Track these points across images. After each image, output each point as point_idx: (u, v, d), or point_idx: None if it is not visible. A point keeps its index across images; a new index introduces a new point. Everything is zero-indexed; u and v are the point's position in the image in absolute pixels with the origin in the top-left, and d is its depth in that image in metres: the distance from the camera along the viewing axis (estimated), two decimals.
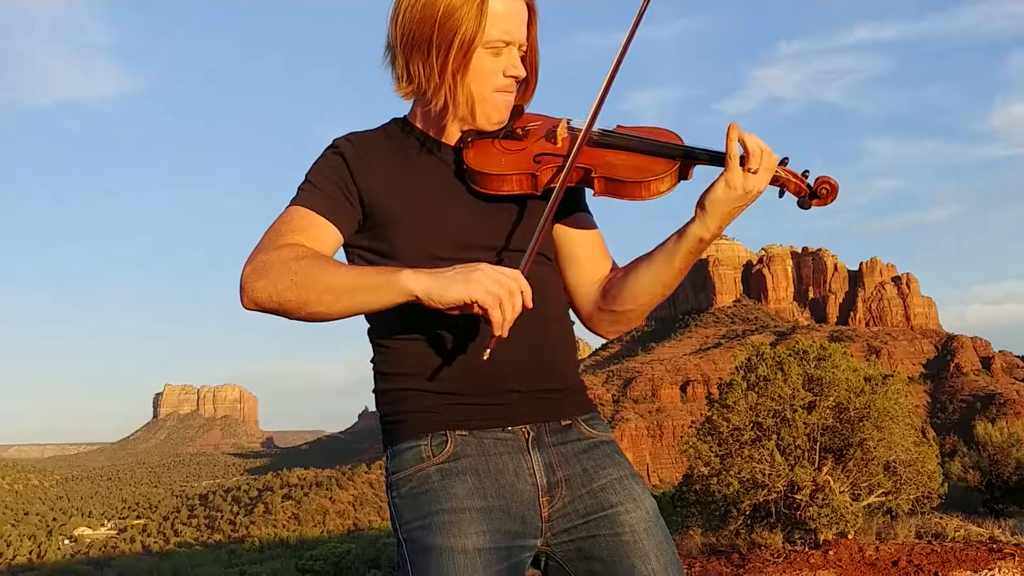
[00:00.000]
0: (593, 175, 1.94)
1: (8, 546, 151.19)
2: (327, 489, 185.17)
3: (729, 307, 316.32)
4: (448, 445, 1.88)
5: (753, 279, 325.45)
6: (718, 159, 1.88)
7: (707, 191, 1.89)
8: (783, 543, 9.95)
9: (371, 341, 2.03)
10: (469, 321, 1.85)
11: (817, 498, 9.89)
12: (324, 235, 1.92)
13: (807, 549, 9.67)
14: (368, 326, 2.03)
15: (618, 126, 2.04)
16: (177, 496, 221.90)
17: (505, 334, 1.68)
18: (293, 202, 1.96)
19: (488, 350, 1.70)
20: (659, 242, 2.01)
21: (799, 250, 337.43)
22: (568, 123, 2.03)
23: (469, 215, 1.98)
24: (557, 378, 2.01)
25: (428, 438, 1.89)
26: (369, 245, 1.98)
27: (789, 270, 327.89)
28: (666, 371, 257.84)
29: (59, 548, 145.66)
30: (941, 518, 10.83)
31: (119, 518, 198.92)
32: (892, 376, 10.95)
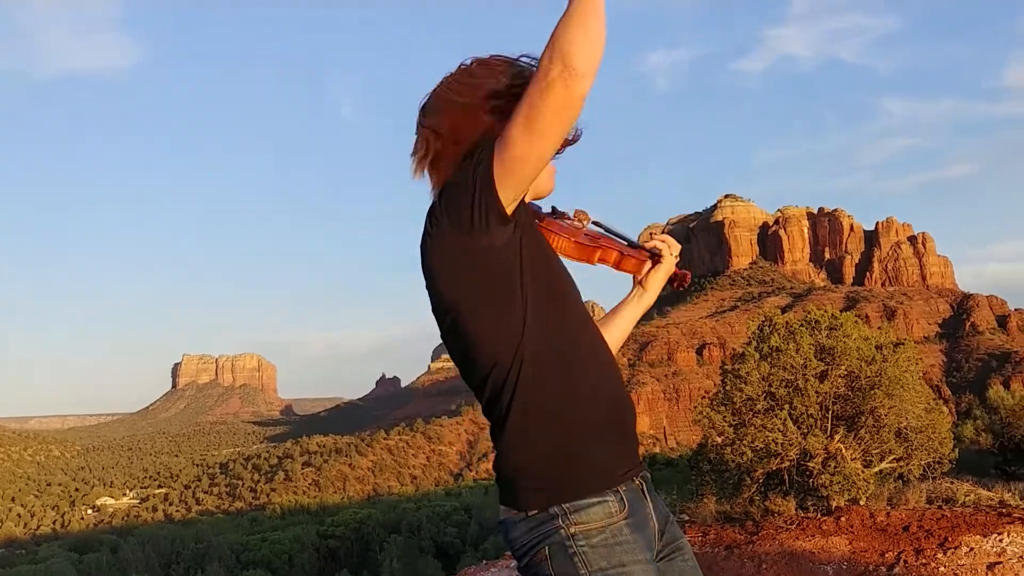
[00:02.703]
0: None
1: (32, 516, 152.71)
2: (346, 456, 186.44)
3: (745, 269, 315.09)
4: (626, 502, 2.14)
5: (769, 240, 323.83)
6: (656, 255, 2.59)
7: (651, 275, 2.58)
8: (796, 510, 10.12)
9: (521, 374, 2.09)
10: (597, 350, 2.22)
11: (829, 465, 10.06)
12: None
13: (819, 516, 9.83)
14: (513, 354, 2.09)
15: (595, 220, 2.54)
16: (198, 465, 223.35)
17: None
18: None
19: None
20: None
21: (815, 211, 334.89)
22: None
23: None
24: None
25: (611, 495, 2.12)
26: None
27: (805, 231, 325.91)
28: (682, 334, 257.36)
29: (82, 518, 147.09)
30: (952, 483, 10.96)
31: (141, 487, 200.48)
32: (903, 344, 11.07)
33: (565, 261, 2.31)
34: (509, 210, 2.01)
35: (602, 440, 2.12)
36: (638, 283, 2.60)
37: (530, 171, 1.97)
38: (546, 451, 2.09)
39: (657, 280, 2.58)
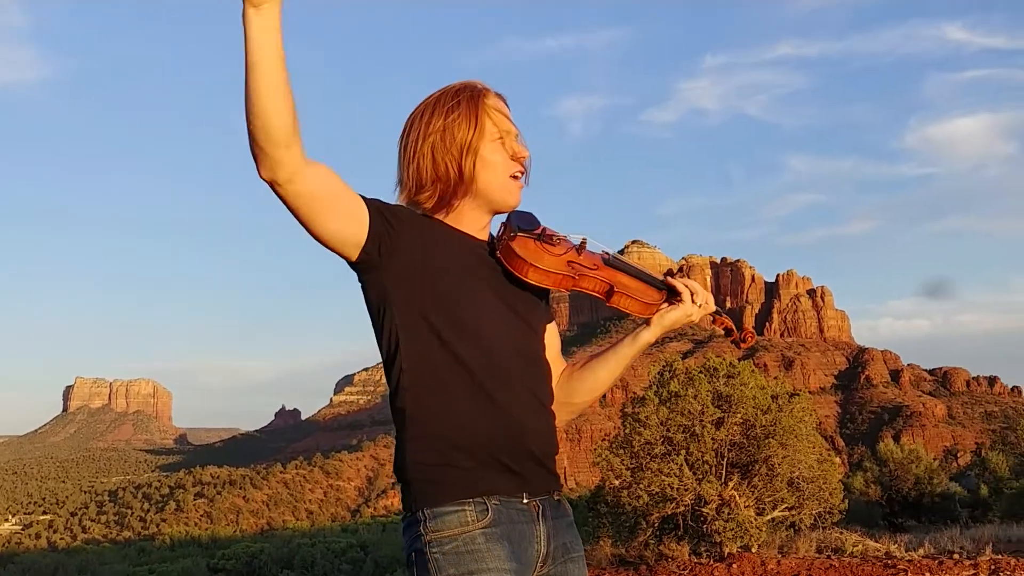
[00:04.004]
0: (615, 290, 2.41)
1: None
2: (241, 488, 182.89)
3: None
4: (489, 513, 2.20)
5: None
6: (676, 294, 2.49)
7: (666, 313, 2.48)
8: (689, 555, 10.22)
9: (397, 390, 2.28)
10: (497, 373, 2.24)
11: (723, 512, 10.19)
12: None
13: (712, 562, 9.95)
14: (394, 374, 2.29)
15: (604, 252, 2.47)
16: (86, 492, 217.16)
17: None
18: None
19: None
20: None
21: (718, 260, 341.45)
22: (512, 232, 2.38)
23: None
24: (555, 447, 2.36)
25: (471, 504, 2.19)
26: None
27: (708, 279, 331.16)
28: None
29: None
30: (841, 533, 11.19)
31: (24, 513, 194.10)
32: (798, 395, 11.31)
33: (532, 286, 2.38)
34: (354, 255, 2.22)
35: (471, 454, 2.20)
36: (644, 321, 2.53)
37: (320, 238, 2.17)
38: (416, 458, 2.22)
39: (665, 321, 2.49)
